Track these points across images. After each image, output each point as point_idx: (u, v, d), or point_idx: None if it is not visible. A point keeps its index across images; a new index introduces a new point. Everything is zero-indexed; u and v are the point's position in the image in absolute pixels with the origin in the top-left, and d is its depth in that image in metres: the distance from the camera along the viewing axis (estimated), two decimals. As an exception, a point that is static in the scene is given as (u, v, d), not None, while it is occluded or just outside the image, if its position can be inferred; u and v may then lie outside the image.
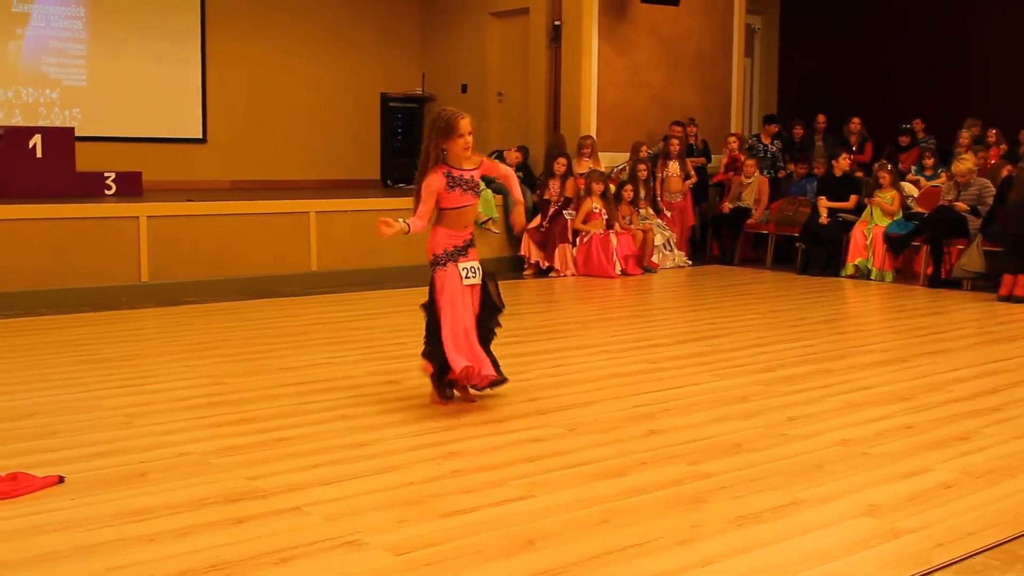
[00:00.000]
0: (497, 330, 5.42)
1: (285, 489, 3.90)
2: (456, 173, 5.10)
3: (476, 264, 5.25)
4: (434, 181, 5.06)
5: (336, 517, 3.61)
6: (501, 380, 5.27)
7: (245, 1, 13.17)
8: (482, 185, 11.13)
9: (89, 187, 10.34)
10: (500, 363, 5.27)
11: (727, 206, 12.49)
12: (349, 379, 5.71)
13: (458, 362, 5.05)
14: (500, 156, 11.93)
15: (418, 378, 5.73)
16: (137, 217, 9.07)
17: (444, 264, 5.15)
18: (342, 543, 3.37)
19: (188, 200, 9.68)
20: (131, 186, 10.65)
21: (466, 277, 5.18)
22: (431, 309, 5.21)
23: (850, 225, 11.15)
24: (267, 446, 4.50)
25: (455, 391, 5.36)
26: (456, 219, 5.18)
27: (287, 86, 13.60)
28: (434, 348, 5.17)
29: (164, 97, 12.72)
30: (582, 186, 11.30)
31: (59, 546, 3.33)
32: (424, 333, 5.24)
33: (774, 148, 13.18)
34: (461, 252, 5.19)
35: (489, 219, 11.15)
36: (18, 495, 3.77)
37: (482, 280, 5.28)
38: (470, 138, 5.07)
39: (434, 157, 5.09)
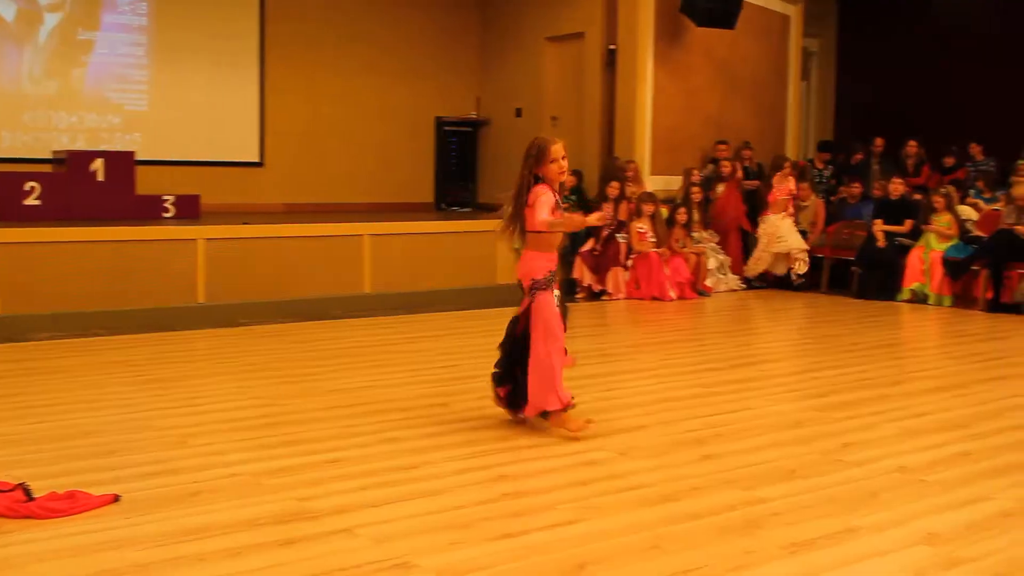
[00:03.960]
0: None
1: (335, 511, 3.91)
2: (556, 197, 5.13)
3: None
4: (546, 192, 5.06)
5: (385, 539, 3.61)
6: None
7: (303, 27, 13.33)
8: None
9: (148, 210, 10.52)
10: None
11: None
12: (398, 401, 5.72)
13: (565, 395, 5.13)
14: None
15: (467, 400, 5.76)
16: (195, 239, 9.18)
17: (546, 288, 5.15)
18: (391, 565, 3.37)
19: (244, 223, 9.79)
20: (189, 209, 10.81)
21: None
22: (523, 333, 5.19)
23: (907, 249, 11.01)
24: (317, 468, 4.52)
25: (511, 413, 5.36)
26: (549, 243, 5.19)
27: (343, 110, 13.73)
28: (517, 372, 5.21)
29: (222, 122, 12.91)
30: (634, 209, 11.28)
31: (115, 564, 3.37)
32: (505, 356, 5.28)
33: (827, 173, 13.11)
34: (554, 278, 5.22)
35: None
36: (75, 513, 3.82)
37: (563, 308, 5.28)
38: (564, 162, 5.10)
39: (529, 182, 5.09)
